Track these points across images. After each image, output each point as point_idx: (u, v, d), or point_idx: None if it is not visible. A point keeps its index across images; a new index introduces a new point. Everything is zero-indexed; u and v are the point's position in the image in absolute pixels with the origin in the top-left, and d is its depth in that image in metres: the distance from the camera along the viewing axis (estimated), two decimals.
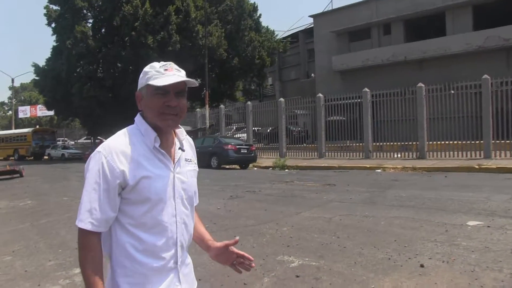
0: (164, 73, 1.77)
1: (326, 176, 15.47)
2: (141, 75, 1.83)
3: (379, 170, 16.95)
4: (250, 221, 7.77)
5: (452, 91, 19.20)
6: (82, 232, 1.69)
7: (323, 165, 19.53)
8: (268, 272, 4.92)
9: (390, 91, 20.80)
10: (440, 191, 10.49)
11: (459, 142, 18.55)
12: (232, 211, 8.89)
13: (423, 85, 19.73)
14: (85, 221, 1.68)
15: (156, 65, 1.82)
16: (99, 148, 1.75)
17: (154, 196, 1.73)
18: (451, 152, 18.57)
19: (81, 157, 36.66)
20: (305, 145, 25.19)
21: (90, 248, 1.69)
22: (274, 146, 25.70)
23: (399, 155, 20.16)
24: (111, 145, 1.73)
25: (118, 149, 1.72)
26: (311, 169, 19.06)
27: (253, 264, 2.07)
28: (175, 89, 1.78)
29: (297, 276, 4.71)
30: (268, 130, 27.01)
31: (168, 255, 1.79)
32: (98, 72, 33.64)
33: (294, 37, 45.25)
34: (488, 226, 6.55)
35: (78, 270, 5.28)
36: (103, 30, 32.60)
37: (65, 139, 53.37)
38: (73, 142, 52.27)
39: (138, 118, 1.85)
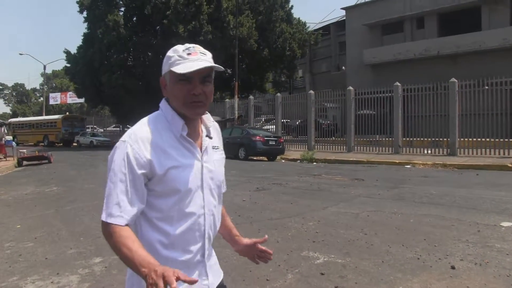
0: (187, 58, 1.65)
1: (354, 170, 15.24)
2: (164, 60, 1.71)
3: (408, 166, 16.62)
4: (276, 214, 7.65)
5: (486, 87, 18.70)
6: (111, 227, 1.55)
7: (351, 159, 19.25)
8: (292, 268, 4.79)
9: (421, 85, 20.38)
10: (471, 189, 10.19)
11: (492, 140, 18.08)
12: (257, 203, 8.79)
13: (456, 80, 19.23)
14: (114, 215, 1.56)
15: (179, 48, 1.69)
16: (123, 137, 1.64)
17: (182, 187, 1.64)
18: (483, 150, 18.13)
19: (110, 145, 36.99)
20: (334, 138, 24.93)
21: (124, 236, 1.53)
22: (302, 139, 25.50)
23: (429, 151, 19.76)
24: (137, 133, 1.63)
25: (144, 138, 1.62)
26: (339, 163, 18.82)
27: (271, 257, 2.05)
28: (200, 74, 1.65)
29: (322, 274, 4.56)
30: (297, 123, 26.81)
31: (195, 248, 1.71)
32: (129, 60, 33.89)
33: (325, 30, 44.80)
34: None
35: (98, 260, 5.26)
36: (135, 18, 32.74)
37: (94, 126, 54.09)
38: (102, 130, 52.92)
39: (163, 104, 1.76)
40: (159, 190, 1.63)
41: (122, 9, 33.39)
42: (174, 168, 1.62)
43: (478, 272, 4.51)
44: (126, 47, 31.97)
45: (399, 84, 20.89)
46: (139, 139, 1.61)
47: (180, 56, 1.65)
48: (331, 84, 36.18)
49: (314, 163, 19.11)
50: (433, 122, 20.02)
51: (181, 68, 1.62)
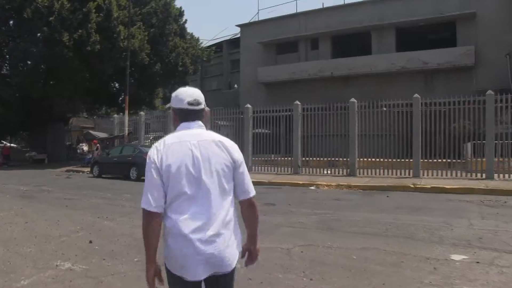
0: None
1: (260, 193, 13.94)
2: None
3: (313, 187, 15.98)
4: None
5: (384, 108, 18.86)
6: None
7: (252, 180, 18.28)
8: None
9: (320, 105, 20.11)
10: (393, 214, 9.59)
11: (388, 160, 18.25)
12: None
13: (355, 100, 19.19)
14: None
15: None
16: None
17: None
18: (381, 170, 18.19)
19: None
20: None
21: None
22: None
23: (328, 171, 19.49)
24: None
25: None
26: None
27: None
28: None
29: None
30: None
31: None
32: (4, 68, 30.47)
33: (218, 47, 44.11)
34: (477, 262, 5.61)
35: None
36: (11, 22, 29.41)
37: None
38: None
39: None
40: None
41: None
42: None
43: None
44: (1, 53, 28.63)
45: (299, 103, 20.47)
46: None
47: None
48: (223, 102, 35.36)
49: None
50: (330, 142, 19.82)
51: None
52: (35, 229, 8.20)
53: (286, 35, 32.65)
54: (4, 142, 41.04)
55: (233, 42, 42.85)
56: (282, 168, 20.76)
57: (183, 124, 2.56)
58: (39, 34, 27.63)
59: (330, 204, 11.40)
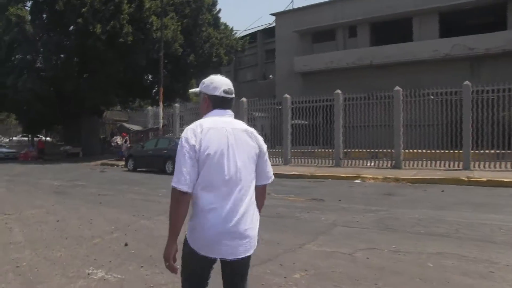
0: None
1: (304, 187, 13.37)
2: None
3: (358, 181, 15.06)
4: None
5: (431, 97, 17.77)
6: None
7: (292, 173, 17.45)
8: None
9: (362, 95, 19.11)
10: (456, 211, 8.64)
11: (435, 151, 17.18)
12: None
13: (400, 88, 18.12)
14: None
15: None
16: None
17: None
18: (428, 162, 17.14)
19: (16, 157, 33.48)
20: None
21: None
22: None
23: (372, 164, 18.54)
24: None
25: None
26: (280, 177, 16.77)
27: None
28: None
29: None
30: None
31: None
32: (38, 62, 30.34)
33: (252, 37, 43.31)
34: None
35: None
36: (44, 15, 29.16)
37: None
38: (7, 140, 48.12)
39: None
40: None
41: (29, 3, 29.58)
42: None
43: None
44: (34, 47, 28.43)
45: (340, 92, 19.50)
46: None
47: None
48: (258, 93, 34.58)
49: None
50: (372, 133, 18.86)
51: None
52: (66, 229, 7.60)
53: (323, 23, 31.53)
54: (40, 136, 41.34)
55: (268, 32, 41.96)
56: (323, 160, 19.85)
57: (216, 111, 2.64)
58: (71, 27, 27.34)
59: (382, 199, 10.48)
